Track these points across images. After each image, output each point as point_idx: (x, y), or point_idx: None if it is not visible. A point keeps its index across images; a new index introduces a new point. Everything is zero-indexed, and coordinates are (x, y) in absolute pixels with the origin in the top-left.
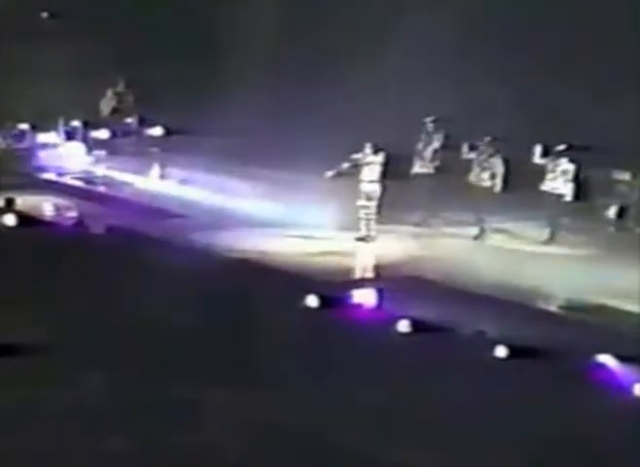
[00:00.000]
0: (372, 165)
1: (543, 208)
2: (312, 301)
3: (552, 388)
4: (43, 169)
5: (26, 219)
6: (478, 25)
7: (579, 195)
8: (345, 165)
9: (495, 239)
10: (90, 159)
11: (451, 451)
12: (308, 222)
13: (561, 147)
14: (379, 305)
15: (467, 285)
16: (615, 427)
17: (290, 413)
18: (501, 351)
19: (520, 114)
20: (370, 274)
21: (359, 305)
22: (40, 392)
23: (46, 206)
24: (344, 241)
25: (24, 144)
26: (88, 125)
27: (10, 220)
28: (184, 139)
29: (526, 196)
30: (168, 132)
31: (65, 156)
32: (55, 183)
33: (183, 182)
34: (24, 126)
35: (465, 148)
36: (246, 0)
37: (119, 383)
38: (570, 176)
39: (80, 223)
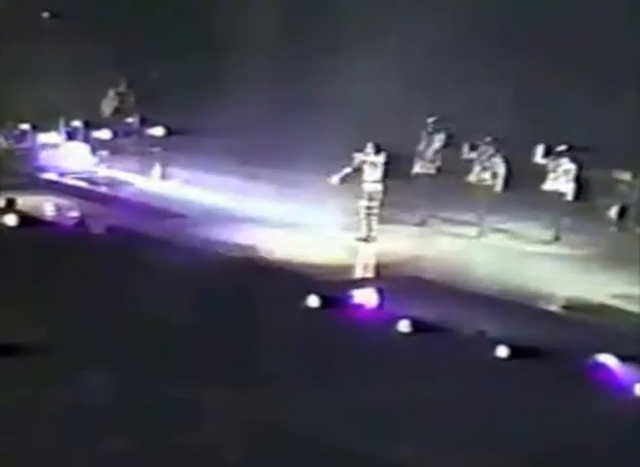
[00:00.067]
0: (373, 166)
1: (544, 208)
2: (313, 301)
3: (553, 388)
4: (44, 169)
5: (27, 219)
6: (478, 25)
7: (580, 195)
8: (349, 169)
9: (496, 239)
10: (94, 159)
11: (451, 451)
12: (309, 222)
13: (562, 147)
14: (380, 305)
15: (468, 285)
16: (615, 427)
17: (290, 413)
18: (502, 351)
19: (521, 114)
20: (370, 274)
21: (360, 305)
22: (40, 392)
23: (46, 206)
24: (345, 241)
25: (25, 144)
26: (89, 126)
27: (11, 220)
28: (185, 139)
29: (527, 196)
30: (169, 132)
31: (66, 156)
32: (56, 183)
33: (184, 182)
34: (25, 127)
35: (466, 148)
36: (246, 0)
37: (119, 383)
38: (571, 176)
39: (80, 223)
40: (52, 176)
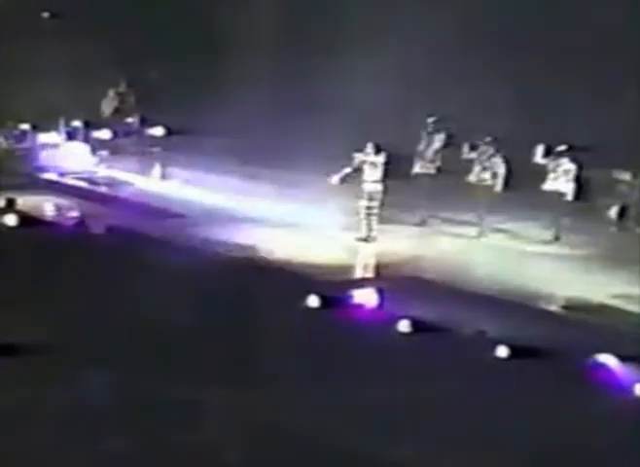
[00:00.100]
0: (373, 166)
1: (544, 208)
2: (313, 301)
3: (553, 388)
4: (44, 169)
5: (27, 219)
6: (478, 25)
7: (580, 195)
8: (349, 169)
9: (496, 239)
10: (95, 159)
11: (452, 451)
12: (309, 222)
13: (562, 147)
14: (380, 305)
15: (468, 285)
16: (615, 427)
17: (290, 413)
18: (502, 351)
19: (521, 114)
20: (371, 274)
21: (360, 305)
22: (40, 392)
23: (46, 206)
24: (345, 241)
25: (25, 144)
26: (89, 126)
27: (11, 220)
28: (185, 139)
29: (527, 196)
30: (169, 132)
31: (66, 156)
32: (56, 183)
33: (184, 182)
34: (25, 127)
35: (466, 148)
36: (246, 0)
37: (119, 383)
38: (571, 176)
39: (80, 223)
40: (52, 176)
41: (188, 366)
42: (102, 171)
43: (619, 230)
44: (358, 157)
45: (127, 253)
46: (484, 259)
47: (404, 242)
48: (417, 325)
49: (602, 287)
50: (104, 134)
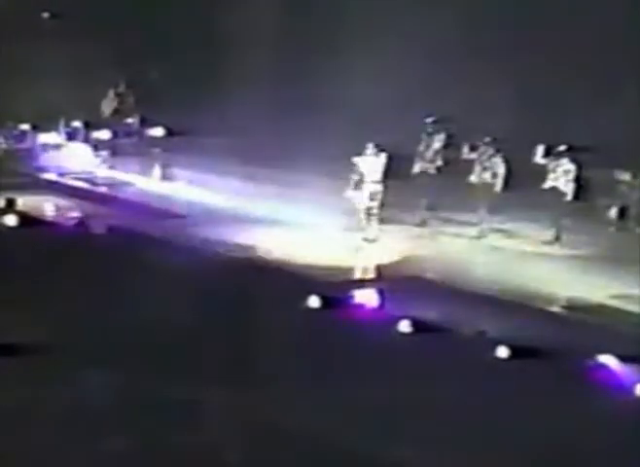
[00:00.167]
0: (374, 166)
1: (544, 208)
2: (314, 301)
3: (553, 388)
4: (44, 169)
5: (27, 219)
6: (478, 25)
7: (580, 195)
8: (355, 177)
9: (496, 239)
10: (95, 159)
11: (451, 451)
12: (309, 222)
13: (562, 147)
14: (381, 306)
15: (468, 285)
16: (615, 427)
17: (290, 413)
18: (502, 351)
19: (521, 114)
20: (371, 275)
21: (360, 306)
22: (40, 392)
23: (47, 206)
24: (345, 241)
25: (25, 144)
26: (89, 126)
27: (11, 220)
28: (185, 139)
29: (527, 196)
30: (169, 133)
31: (66, 156)
32: (56, 183)
33: (184, 182)
34: (25, 127)
35: (466, 148)
36: (246, 0)
37: (119, 383)
38: (571, 176)
39: (81, 223)
40: (52, 176)
41: (188, 366)
42: (102, 172)
43: (618, 230)
44: (358, 161)
45: (128, 253)
46: (485, 259)
47: (404, 242)
48: (418, 325)
49: (602, 287)
50: (104, 135)
